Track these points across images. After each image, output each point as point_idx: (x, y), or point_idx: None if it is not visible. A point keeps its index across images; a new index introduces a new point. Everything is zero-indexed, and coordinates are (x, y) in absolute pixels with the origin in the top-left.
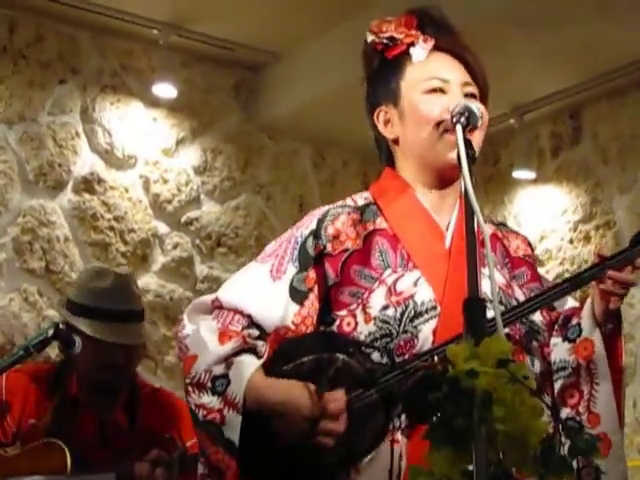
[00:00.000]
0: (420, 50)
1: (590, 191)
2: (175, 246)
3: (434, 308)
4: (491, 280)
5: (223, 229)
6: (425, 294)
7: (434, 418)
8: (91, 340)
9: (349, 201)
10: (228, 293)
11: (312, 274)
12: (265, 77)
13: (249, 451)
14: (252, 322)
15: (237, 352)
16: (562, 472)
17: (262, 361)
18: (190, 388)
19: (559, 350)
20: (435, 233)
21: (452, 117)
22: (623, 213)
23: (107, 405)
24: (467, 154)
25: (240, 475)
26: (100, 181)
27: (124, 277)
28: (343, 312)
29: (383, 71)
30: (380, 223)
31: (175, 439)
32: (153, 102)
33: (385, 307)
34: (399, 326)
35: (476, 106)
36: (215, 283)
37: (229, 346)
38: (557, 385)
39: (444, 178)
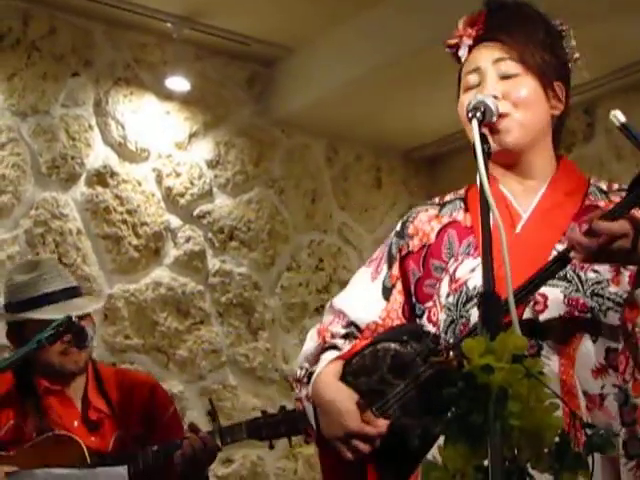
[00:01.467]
0: (463, 49)
1: None
2: (187, 240)
3: None
4: (507, 284)
5: (235, 223)
6: (478, 279)
7: (449, 413)
8: (40, 324)
9: (437, 198)
10: (338, 296)
11: (395, 271)
12: (278, 71)
13: None
14: (350, 321)
15: (323, 350)
16: (577, 468)
17: (333, 356)
18: (293, 384)
19: None
20: (508, 219)
21: (467, 112)
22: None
23: (78, 389)
24: (482, 149)
25: None
26: (113, 174)
27: (49, 260)
28: (429, 303)
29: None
30: (457, 216)
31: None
32: (166, 95)
33: (448, 295)
34: (457, 312)
35: (492, 100)
36: (227, 277)
37: (312, 345)
38: None
39: (502, 165)
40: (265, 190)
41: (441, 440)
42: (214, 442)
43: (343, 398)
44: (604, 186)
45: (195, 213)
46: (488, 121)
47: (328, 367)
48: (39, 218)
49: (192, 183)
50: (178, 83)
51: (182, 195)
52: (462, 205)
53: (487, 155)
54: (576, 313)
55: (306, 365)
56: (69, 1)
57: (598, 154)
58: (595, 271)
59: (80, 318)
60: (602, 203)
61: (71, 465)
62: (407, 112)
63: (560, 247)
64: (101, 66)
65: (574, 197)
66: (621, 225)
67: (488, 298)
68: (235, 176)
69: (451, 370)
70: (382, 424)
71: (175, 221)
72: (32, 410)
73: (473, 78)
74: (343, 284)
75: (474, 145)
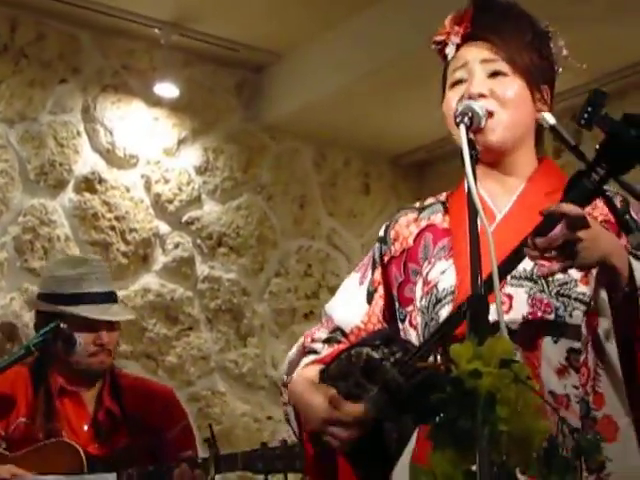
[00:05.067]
0: (450, 47)
1: None
2: (176, 246)
3: (452, 293)
4: (495, 288)
5: (224, 229)
6: (447, 281)
7: (437, 419)
8: (80, 326)
9: (418, 202)
10: (330, 301)
11: (377, 276)
12: (267, 77)
13: None
14: (336, 326)
15: (303, 354)
16: (565, 473)
17: (309, 360)
18: (281, 389)
19: None
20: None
21: (455, 117)
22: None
23: (95, 394)
24: (470, 155)
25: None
26: (101, 180)
27: (97, 261)
28: (410, 307)
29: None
30: (435, 219)
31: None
32: (154, 101)
33: (421, 298)
34: (429, 314)
35: (479, 105)
36: (216, 283)
37: (294, 351)
38: None
39: (485, 164)
40: (254, 196)
41: (412, 444)
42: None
43: (312, 391)
44: None
45: (184, 219)
46: (476, 127)
47: (303, 370)
48: (27, 225)
49: (181, 189)
50: (166, 89)
51: (171, 201)
52: (442, 208)
53: (475, 160)
54: (539, 313)
55: (288, 371)
56: (57, 8)
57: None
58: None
59: (115, 324)
60: None
61: (67, 472)
62: (395, 118)
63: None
64: (89, 73)
65: (552, 197)
66: (553, 235)
67: (475, 302)
68: (224, 182)
69: (438, 374)
70: (354, 407)
71: (164, 227)
72: (42, 410)
73: (460, 74)
74: (332, 290)
75: (461, 150)
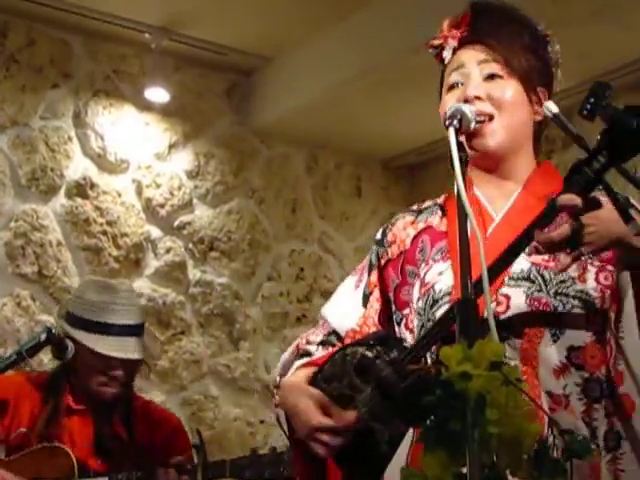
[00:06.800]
0: (448, 50)
1: None
2: (168, 250)
3: (449, 294)
4: (484, 288)
5: (216, 233)
6: (444, 282)
7: (427, 421)
8: (93, 353)
9: (416, 205)
10: (326, 304)
11: (373, 278)
12: (257, 81)
13: None
14: (332, 329)
15: (297, 357)
16: (556, 475)
17: (302, 362)
18: (273, 390)
19: None
20: (480, 223)
21: (444, 120)
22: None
23: (103, 416)
24: (460, 157)
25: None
26: (93, 185)
27: (127, 291)
28: (407, 310)
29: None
30: (433, 221)
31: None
32: (145, 106)
33: (418, 299)
34: (425, 315)
35: (469, 109)
36: (208, 287)
37: (287, 353)
38: None
39: (482, 168)
40: (245, 200)
41: (405, 447)
42: None
43: (305, 397)
44: None
45: (175, 224)
46: (465, 129)
47: (295, 373)
48: (19, 230)
49: (172, 194)
50: (157, 94)
51: (162, 206)
52: (439, 211)
53: (464, 163)
54: (538, 313)
55: (282, 372)
56: (47, 13)
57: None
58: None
59: (135, 363)
60: None
61: (59, 476)
62: (387, 120)
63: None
64: (80, 78)
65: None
66: (561, 230)
67: (465, 305)
68: (215, 186)
69: (429, 377)
70: (346, 416)
71: (155, 232)
72: (43, 421)
73: (457, 78)
74: (324, 293)
75: (450, 153)
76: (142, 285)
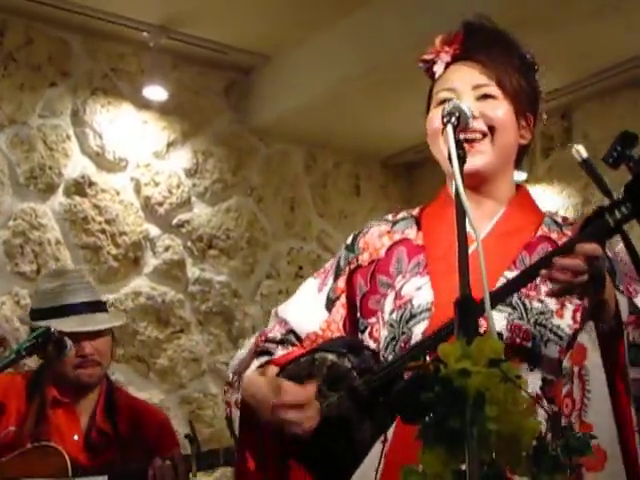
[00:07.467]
0: (439, 65)
1: (581, 191)
2: (166, 249)
3: (428, 310)
4: (484, 289)
5: (214, 231)
6: (423, 297)
7: (426, 418)
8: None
9: (390, 215)
10: (284, 304)
11: (341, 284)
12: (256, 79)
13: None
14: (290, 329)
15: (256, 354)
16: (555, 472)
17: (263, 361)
18: (225, 387)
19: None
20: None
21: (442, 117)
22: None
23: (87, 406)
24: (458, 155)
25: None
26: (91, 184)
27: (76, 272)
28: (373, 319)
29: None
30: (409, 234)
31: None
32: (144, 104)
33: (391, 311)
34: (399, 328)
35: (467, 106)
36: (207, 285)
37: (244, 350)
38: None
39: (465, 185)
40: (244, 198)
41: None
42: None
43: (265, 384)
44: (559, 219)
45: (174, 222)
46: (463, 126)
47: (258, 370)
48: (17, 229)
49: (171, 192)
50: (156, 92)
51: (161, 204)
52: (414, 224)
53: (462, 161)
54: (517, 340)
55: (238, 370)
56: (46, 11)
57: (575, 159)
58: (540, 301)
59: (100, 333)
60: (555, 235)
61: (52, 475)
62: (385, 119)
63: (509, 274)
64: (78, 76)
65: (528, 226)
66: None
67: (464, 303)
68: (214, 185)
69: (427, 374)
70: (305, 388)
71: (154, 230)
72: (32, 419)
73: (448, 95)
74: None
75: (449, 151)
76: (141, 283)
